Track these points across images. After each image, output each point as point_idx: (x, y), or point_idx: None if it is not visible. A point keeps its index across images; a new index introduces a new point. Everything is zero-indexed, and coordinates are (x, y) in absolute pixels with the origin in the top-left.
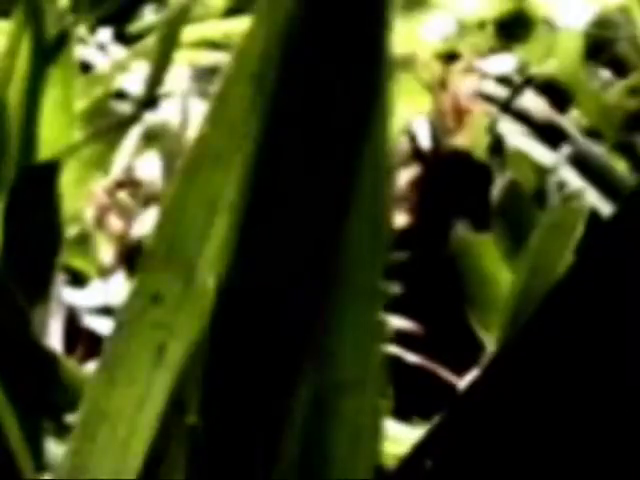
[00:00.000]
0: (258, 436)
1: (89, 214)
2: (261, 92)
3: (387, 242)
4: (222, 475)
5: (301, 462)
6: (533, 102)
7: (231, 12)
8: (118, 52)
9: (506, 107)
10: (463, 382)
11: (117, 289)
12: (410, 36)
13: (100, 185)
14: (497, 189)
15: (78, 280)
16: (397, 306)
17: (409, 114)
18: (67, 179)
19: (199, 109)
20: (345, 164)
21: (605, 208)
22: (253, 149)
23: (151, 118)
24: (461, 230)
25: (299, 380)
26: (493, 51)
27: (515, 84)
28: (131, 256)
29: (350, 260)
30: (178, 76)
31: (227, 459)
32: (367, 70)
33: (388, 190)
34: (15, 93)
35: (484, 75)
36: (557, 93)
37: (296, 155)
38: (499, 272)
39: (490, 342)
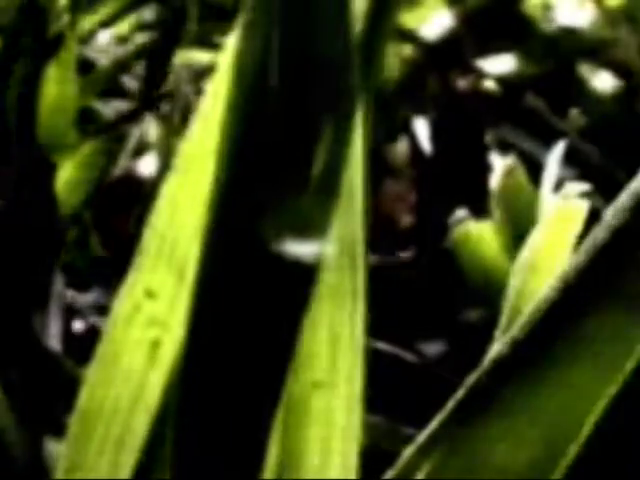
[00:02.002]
0: (237, 437)
1: (89, 214)
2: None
3: (370, 243)
4: (210, 473)
5: (276, 460)
6: (532, 102)
7: (230, 12)
8: (118, 52)
9: (505, 107)
10: (463, 382)
11: (117, 289)
12: (410, 36)
13: (100, 185)
14: (497, 179)
15: (78, 280)
16: (397, 306)
17: (409, 114)
18: (66, 179)
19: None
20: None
21: (604, 208)
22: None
23: (150, 118)
24: (460, 217)
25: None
26: (492, 51)
27: (514, 84)
28: (131, 256)
29: (331, 260)
30: (178, 76)
31: (214, 457)
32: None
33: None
34: (14, 93)
35: (484, 75)
36: (556, 92)
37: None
38: (499, 262)
39: (491, 339)
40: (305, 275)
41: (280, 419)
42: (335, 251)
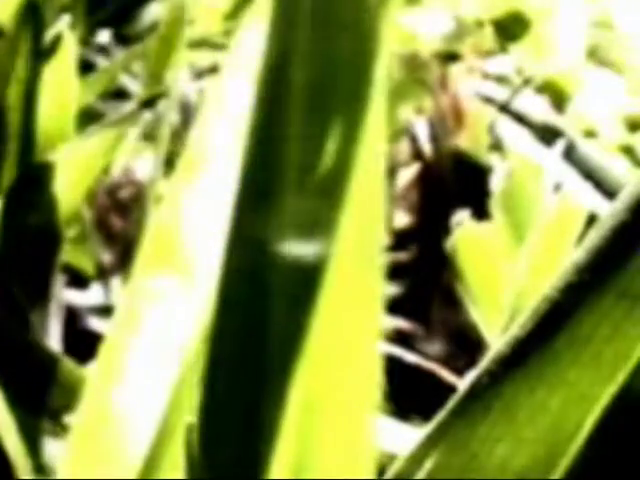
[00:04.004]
0: (251, 435)
1: (89, 214)
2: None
3: (383, 245)
4: (217, 474)
5: (293, 461)
6: (532, 102)
7: (231, 12)
8: (118, 52)
9: (505, 107)
10: (463, 382)
11: (117, 289)
12: (410, 36)
13: (100, 185)
14: (497, 179)
15: (78, 280)
16: (397, 306)
17: (409, 114)
18: (66, 179)
19: (198, 109)
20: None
21: (603, 208)
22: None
23: (150, 118)
24: (461, 219)
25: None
26: (492, 51)
27: (514, 84)
28: (131, 256)
29: (343, 260)
30: (178, 76)
31: (221, 458)
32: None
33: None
34: (14, 93)
35: (484, 75)
36: (556, 93)
37: None
38: (500, 264)
39: (491, 339)
40: (314, 275)
41: (294, 420)
42: (351, 251)
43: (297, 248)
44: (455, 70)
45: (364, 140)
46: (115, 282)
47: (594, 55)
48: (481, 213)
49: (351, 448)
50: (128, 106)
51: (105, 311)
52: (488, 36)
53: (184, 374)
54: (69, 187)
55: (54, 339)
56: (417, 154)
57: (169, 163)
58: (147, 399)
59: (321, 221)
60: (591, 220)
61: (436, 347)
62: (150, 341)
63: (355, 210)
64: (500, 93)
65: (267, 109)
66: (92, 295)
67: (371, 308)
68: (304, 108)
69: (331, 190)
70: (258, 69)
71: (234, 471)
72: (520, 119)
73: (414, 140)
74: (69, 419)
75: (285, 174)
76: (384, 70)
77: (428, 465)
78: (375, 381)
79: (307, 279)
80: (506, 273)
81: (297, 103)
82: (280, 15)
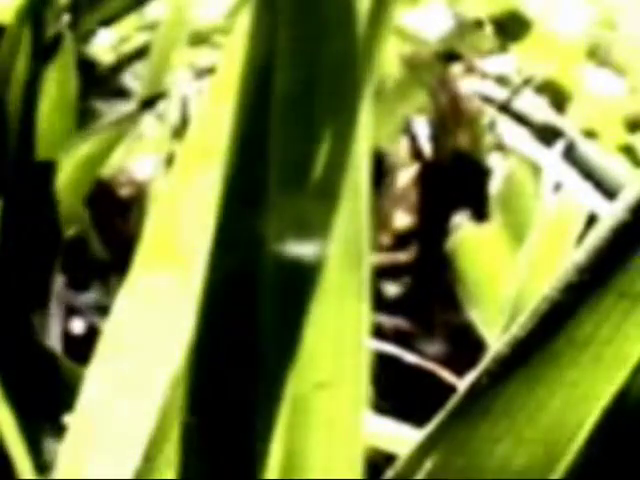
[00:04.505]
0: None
1: (89, 214)
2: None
3: (370, 243)
4: (211, 473)
5: (282, 459)
6: (532, 102)
7: (231, 11)
8: (118, 52)
9: (505, 107)
10: (463, 382)
11: (117, 289)
12: (410, 36)
13: (100, 185)
14: (497, 179)
15: (78, 280)
16: (397, 306)
17: (409, 114)
18: (66, 179)
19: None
20: None
21: (603, 208)
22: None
23: (150, 118)
24: (461, 221)
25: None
26: (492, 51)
27: (514, 84)
28: (131, 256)
29: (333, 261)
30: (178, 76)
31: (216, 457)
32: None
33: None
34: (14, 93)
35: (484, 75)
36: (556, 93)
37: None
38: (500, 264)
39: (491, 339)
40: (306, 275)
41: (284, 419)
42: (339, 251)
43: (290, 248)
44: (455, 70)
45: (352, 141)
46: (115, 282)
47: (594, 55)
48: (481, 213)
49: (342, 447)
50: (128, 106)
51: (105, 311)
52: (488, 36)
53: (180, 374)
54: (69, 187)
55: (54, 339)
56: (417, 154)
57: (169, 163)
58: (144, 398)
59: (312, 222)
60: (591, 220)
61: (436, 347)
62: (148, 340)
63: (343, 210)
64: (500, 93)
65: (255, 109)
66: (92, 295)
67: (360, 308)
68: (294, 108)
69: (319, 191)
70: (245, 68)
71: (228, 470)
72: (520, 119)
73: (414, 140)
74: (69, 419)
75: (274, 174)
76: (373, 69)
77: (428, 465)
78: (367, 380)
79: (298, 279)
80: (506, 273)
81: (286, 103)
82: (267, 14)
